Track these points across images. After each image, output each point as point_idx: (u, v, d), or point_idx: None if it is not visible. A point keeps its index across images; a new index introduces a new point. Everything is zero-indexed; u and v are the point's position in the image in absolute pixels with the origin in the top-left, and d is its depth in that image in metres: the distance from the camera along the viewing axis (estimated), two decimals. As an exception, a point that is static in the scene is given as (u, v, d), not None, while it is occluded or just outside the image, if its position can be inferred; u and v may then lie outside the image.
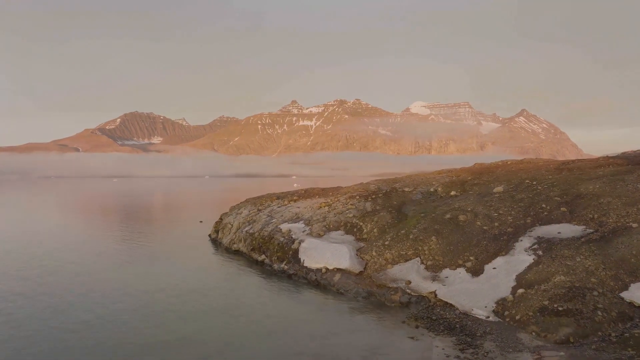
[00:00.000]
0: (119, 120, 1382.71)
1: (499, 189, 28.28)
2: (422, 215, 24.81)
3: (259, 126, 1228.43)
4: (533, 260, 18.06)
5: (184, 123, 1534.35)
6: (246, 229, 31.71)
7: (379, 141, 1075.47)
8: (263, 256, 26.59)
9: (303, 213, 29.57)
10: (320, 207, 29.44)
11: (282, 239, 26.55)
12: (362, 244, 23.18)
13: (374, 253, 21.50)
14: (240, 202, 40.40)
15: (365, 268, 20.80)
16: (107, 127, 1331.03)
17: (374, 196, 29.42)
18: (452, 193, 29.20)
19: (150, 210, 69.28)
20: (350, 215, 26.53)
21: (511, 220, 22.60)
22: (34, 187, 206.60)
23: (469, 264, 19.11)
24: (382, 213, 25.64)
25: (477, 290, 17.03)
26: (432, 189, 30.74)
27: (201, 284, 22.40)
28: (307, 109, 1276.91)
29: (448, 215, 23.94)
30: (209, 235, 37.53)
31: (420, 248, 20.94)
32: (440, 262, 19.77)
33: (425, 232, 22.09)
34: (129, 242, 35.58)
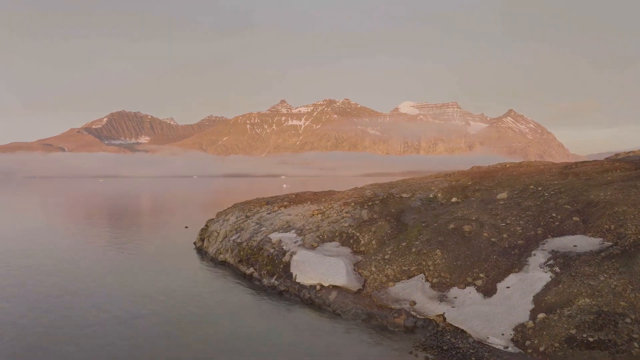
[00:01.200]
0: (105, 119, 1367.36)
1: (503, 195, 26.62)
2: (423, 225, 22.99)
3: (248, 126, 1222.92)
4: (551, 279, 16.32)
5: (172, 122, 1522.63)
6: (233, 237, 29.66)
7: (368, 141, 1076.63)
8: (251, 269, 24.57)
9: (294, 221, 27.59)
10: (313, 214, 27.50)
11: (272, 250, 24.55)
12: (359, 258, 21.28)
13: (373, 268, 19.61)
14: (228, 208, 38.31)
15: (364, 285, 18.90)
16: (93, 127, 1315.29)
17: (370, 203, 27.54)
18: (453, 200, 27.46)
19: (134, 214, 66.74)
20: (346, 224, 24.62)
21: (520, 231, 20.87)
22: (17, 188, 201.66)
23: (479, 282, 17.30)
24: (380, 222, 23.76)
25: (491, 314, 15.22)
26: (431, 195, 28.98)
27: (181, 305, 20.31)
28: (296, 108, 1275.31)
29: (452, 225, 22.16)
30: (194, 244, 35.37)
31: (424, 263, 19.09)
32: (447, 280, 17.94)
33: (428, 245, 20.26)
34: (105, 251, 33.29)
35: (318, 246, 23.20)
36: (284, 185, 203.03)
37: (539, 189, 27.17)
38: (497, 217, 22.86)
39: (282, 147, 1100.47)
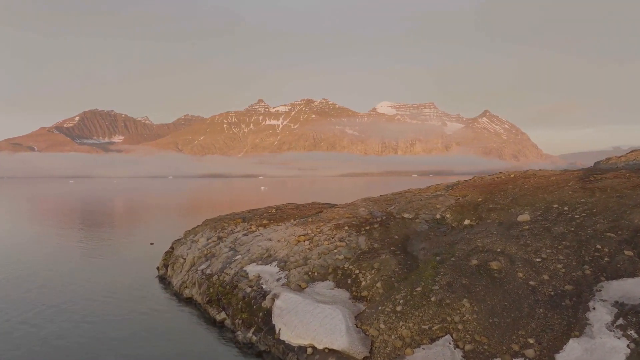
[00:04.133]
0: (77, 118, 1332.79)
1: (525, 217, 22.35)
2: (437, 259, 18.48)
3: (225, 125, 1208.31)
4: (630, 350, 11.99)
5: (147, 121, 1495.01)
6: (202, 267, 24.63)
7: (346, 141, 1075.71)
8: (223, 314, 19.63)
9: (276, 249, 22.74)
10: (299, 241, 22.71)
11: (248, 289, 19.68)
12: (361, 307, 16.60)
13: (382, 325, 14.96)
14: (197, 226, 33.18)
15: (371, 351, 14.23)
16: (64, 126, 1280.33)
17: (367, 227, 22.91)
18: (466, 222, 23.08)
19: (96, 223, 60.58)
20: (341, 257, 19.91)
21: (564, 271, 16.55)
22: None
23: (530, 353, 12.84)
24: (384, 255, 19.14)
25: (560, 410, 10.75)
26: (438, 216, 24.54)
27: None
28: (273, 108, 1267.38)
29: (474, 261, 17.71)
30: (157, 269, 30.14)
31: (449, 319, 14.54)
32: (485, 347, 13.42)
33: (451, 291, 15.73)
34: (47, 280, 27.73)
35: (307, 287, 18.42)
36: (262, 188, 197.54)
37: (565, 209, 23.01)
38: (528, 249, 18.52)
39: (260, 147, 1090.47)
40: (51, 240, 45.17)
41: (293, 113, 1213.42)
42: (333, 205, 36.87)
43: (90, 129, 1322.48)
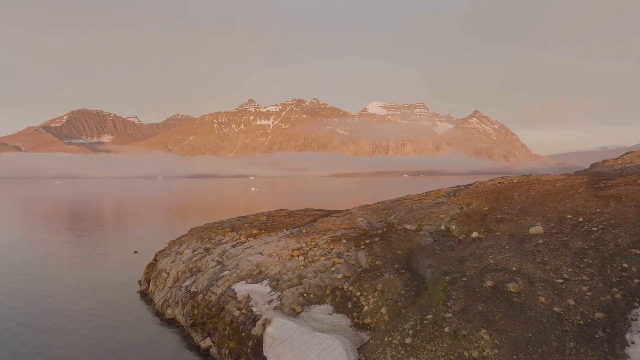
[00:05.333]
0: (65, 117, 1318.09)
1: (538, 229, 20.61)
2: (447, 278, 16.64)
3: (215, 125, 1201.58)
4: (683, 398, 10.21)
5: (136, 121, 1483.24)
6: (186, 283, 22.59)
7: (337, 141, 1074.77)
8: (208, 341, 17.61)
9: (267, 265, 20.76)
10: (292, 256, 20.75)
11: (236, 312, 17.68)
12: (364, 336, 14.70)
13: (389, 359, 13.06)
14: (183, 235, 31.08)
15: (378, 393, 12.31)
16: (52, 125, 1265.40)
17: (367, 240, 21.02)
18: (474, 234, 21.28)
19: (79, 226, 58.02)
20: (339, 275, 17.99)
21: (590, 295, 14.79)
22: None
23: (565, 399, 11.01)
24: (388, 274, 17.24)
25: None
26: (443, 227, 22.73)
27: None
28: (264, 107, 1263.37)
29: (489, 282, 15.88)
30: (139, 282, 28.00)
31: (467, 355, 12.69)
32: (511, 390, 11.56)
33: (466, 319, 13.89)
34: (15, 289, 25.45)
35: (302, 311, 16.47)
36: (253, 189, 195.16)
37: (580, 220, 21.31)
38: (547, 268, 16.73)
39: (250, 147, 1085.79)
40: (27, 247, 42.68)
41: (284, 113, 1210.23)
42: (327, 212, 34.97)
43: (78, 129, 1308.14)
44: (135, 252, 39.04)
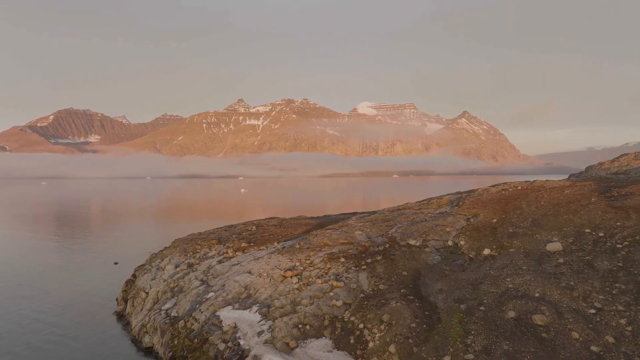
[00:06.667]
0: (52, 117, 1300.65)
1: (556, 246, 18.70)
2: (462, 307, 14.61)
3: (204, 125, 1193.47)
4: None
5: (124, 121, 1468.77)
6: (167, 306, 20.31)
7: (327, 141, 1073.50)
8: (189, 379, 15.39)
9: (257, 287, 18.56)
10: (285, 276, 18.58)
11: (222, 345, 15.48)
12: (371, 381, 12.58)
13: (402, 415, 10.95)
14: (165, 248, 28.72)
15: None
16: (38, 125, 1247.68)
17: (368, 259, 18.92)
18: (486, 252, 19.29)
19: (59, 231, 55.16)
20: (339, 302, 15.87)
21: (630, 330, 12.84)
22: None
23: None
24: (394, 302, 15.16)
25: None
26: (450, 242, 20.73)
27: None
28: (254, 107, 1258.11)
29: (511, 312, 13.89)
30: (117, 300, 25.61)
31: (496, 409, 10.62)
32: None
33: (490, 362, 11.85)
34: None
35: (297, 347, 14.32)
36: (242, 190, 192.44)
37: (601, 235, 19.46)
38: (575, 295, 14.78)
39: (240, 147, 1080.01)
40: (11, 250, 39.90)
41: (273, 113, 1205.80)
42: (321, 221, 32.90)
43: (65, 129, 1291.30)
44: (116, 263, 36.56)
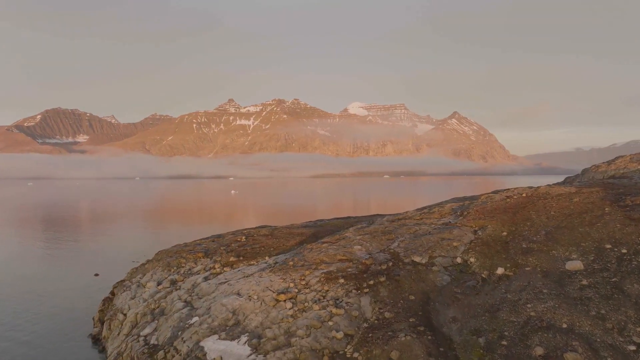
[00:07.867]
0: (39, 116, 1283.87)
1: (577, 265, 16.95)
2: (480, 342, 12.77)
3: (194, 125, 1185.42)
4: None
5: (113, 121, 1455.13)
6: (146, 331, 18.25)
7: (318, 142, 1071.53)
8: None
9: (246, 312, 16.58)
10: (278, 300, 16.63)
11: (206, 384, 13.49)
12: None
13: None
14: (147, 262, 26.57)
15: None
16: (25, 124, 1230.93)
17: (370, 280, 17.02)
18: (500, 271, 17.49)
19: (38, 236, 52.61)
20: (339, 334, 13.96)
21: (680, 371, 11.12)
22: None
23: None
24: (403, 335, 13.28)
25: None
26: (459, 259, 18.91)
27: None
28: (244, 107, 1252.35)
29: (539, 349, 12.10)
30: (93, 320, 23.48)
31: None
32: None
33: (522, 415, 10.03)
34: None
35: (293, 389, 12.36)
36: (233, 192, 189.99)
37: (624, 251, 17.77)
38: (608, 326, 13.02)
39: (230, 147, 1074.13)
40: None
41: (264, 113, 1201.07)
42: (315, 229, 30.97)
43: (52, 128, 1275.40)
44: (97, 275, 34.36)
